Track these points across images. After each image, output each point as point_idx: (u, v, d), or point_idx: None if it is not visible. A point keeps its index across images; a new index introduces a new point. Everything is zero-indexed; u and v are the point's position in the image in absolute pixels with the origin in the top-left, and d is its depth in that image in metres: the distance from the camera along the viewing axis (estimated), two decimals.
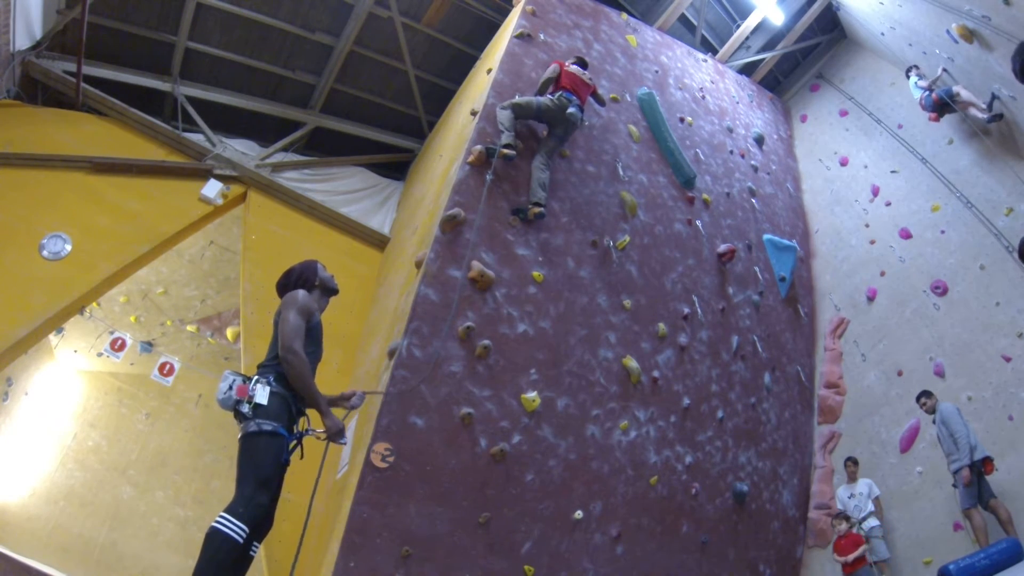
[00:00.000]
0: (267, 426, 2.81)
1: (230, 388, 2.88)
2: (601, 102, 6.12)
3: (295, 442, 3.01)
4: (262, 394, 2.86)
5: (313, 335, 3.18)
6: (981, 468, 4.77)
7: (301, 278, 3.34)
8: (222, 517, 2.59)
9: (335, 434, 2.95)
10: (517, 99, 5.38)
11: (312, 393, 2.94)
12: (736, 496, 5.76)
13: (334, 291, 3.48)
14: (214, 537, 2.55)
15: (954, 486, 4.95)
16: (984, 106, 6.06)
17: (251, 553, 2.89)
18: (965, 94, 6.21)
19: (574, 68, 5.67)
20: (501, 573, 4.08)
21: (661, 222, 6.39)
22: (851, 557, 5.36)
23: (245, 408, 2.83)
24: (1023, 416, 5.08)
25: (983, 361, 5.60)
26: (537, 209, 5.11)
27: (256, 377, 2.97)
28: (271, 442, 2.80)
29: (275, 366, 3.02)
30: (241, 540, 2.58)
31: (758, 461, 6.14)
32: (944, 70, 6.66)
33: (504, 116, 5.25)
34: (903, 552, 5.47)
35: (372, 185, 8.68)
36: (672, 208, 6.59)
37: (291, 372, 2.92)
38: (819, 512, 6.26)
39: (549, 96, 5.46)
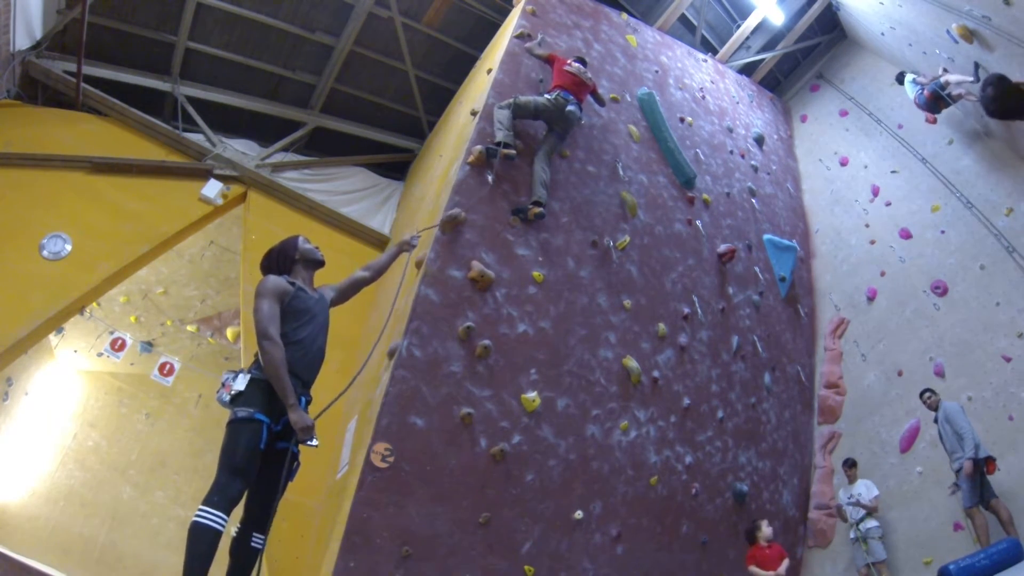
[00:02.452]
0: (242, 412, 2.79)
1: (223, 386, 2.91)
2: (601, 102, 6.12)
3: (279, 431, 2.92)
4: (241, 381, 2.86)
5: (297, 311, 3.05)
6: (983, 467, 4.77)
7: (281, 256, 3.30)
8: (199, 509, 2.61)
9: (301, 431, 2.82)
10: (514, 99, 5.38)
11: (282, 383, 2.81)
12: (736, 496, 5.76)
13: (318, 263, 3.38)
14: (194, 530, 2.57)
15: (956, 484, 4.94)
16: (972, 79, 5.99)
17: (253, 544, 2.87)
18: (954, 77, 6.16)
19: (575, 67, 5.68)
20: (501, 573, 4.08)
21: (661, 222, 6.39)
22: (782, 570, 4.89)
23: (226, 398, 2.85)
24: (1023, 416, 5.08)
25: (983, 361, 5.59)
26: (537, 209, 5.11)
27: (242, 369, 2.98)
28: (245, 428, 2.77)
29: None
30: (220, 527, 2.59)
31: (758, 461, 6.13)
32: (944, 70, 6.66)
33: (502, 115, 5.25)
34: (903, 552, 5.47)
35: (372, 185, 8.68)
36: (672, 208, 6.59)
37: (266, 359, 2.84)
38: (819, 512, 6.26)
39: (547, 96, 5.47)
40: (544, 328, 4.94)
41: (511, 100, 5.34)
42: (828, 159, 8.57)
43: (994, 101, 3.63)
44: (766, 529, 5.14)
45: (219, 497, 2.63)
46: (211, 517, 2.58)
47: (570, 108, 5.36)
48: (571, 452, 4.72)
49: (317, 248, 3.41)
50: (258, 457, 2.77)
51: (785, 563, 4.97)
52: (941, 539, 5.20)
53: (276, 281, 3.07)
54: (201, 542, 2.56)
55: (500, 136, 5.13)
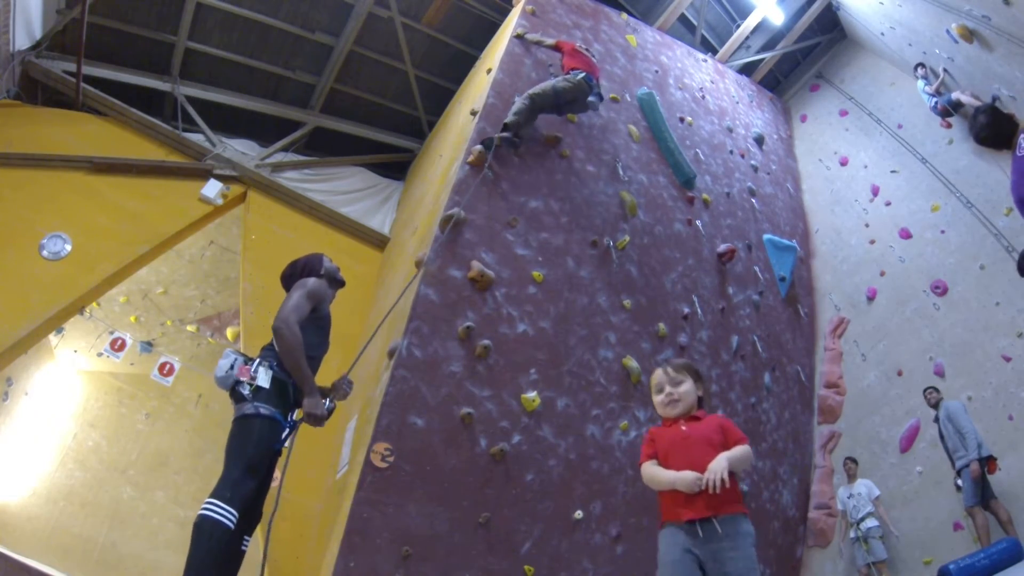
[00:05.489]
0: (265, 410, 2.73)
1: (231, 367, 2.81)
2: (600, 96, 6.10)
3: (288, 431, 2.92)
4: (264, 377, 2.79)
5: (321, 325, 3.12)
6: (985, 467, 4.77)
7: (306, 268, 3.31)
8: (209, 503, 2.47)
9: (314, 418, 2.82)
10: (536, 89, 5.28)
11: (301, 368, 2.82)
12: None
13: (340, 283, 3.44)
14: (203, 524, 2.42)
15: (957, 484, 4.94)
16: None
17: (243, 548, 2.80)
18: (966, 99, 6.24)
19: (584, 49, 5.68)
20: (501, 573, 4.07)
21: (661, 222, 6.39)
22: (717, 474, 2.14)
23: (246, 390, 2.75)
24: (1023, 416, 5.08)
25: (983, 361, 5.60)
26: (503, 134, 4.98)
27: (259, 359, 2.91)
28: (266, 426, 2.72)
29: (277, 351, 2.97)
30: (232, 525, 2.46)
31: (758, 461, 6.13)
32: (945, 70, 6.67)
33: (521, 104, 5.17)
34: (903, 552, 5.47)
35: (372, 185, 8.68)
36: (672, 208, 6.59)
37: (282, 345, 2.81)
38: (819, 512, 6.26)
39: (564, 76, 5.40)
40: (544, 328, 4.93)
41: (532, 91, 5.24)
42: (828, 159, 8.57)
43: (987, 128, 3.73)
44: (664, 379, 2.53)
45: (231, 492, 2.50)
46: (222, 512, 2.44)
47: (591, 99, 5.31)
48: (571, 452, 4.72)
49: (339, 269, 3.47)
50: (271, 457, 2.74)
51: (737, 452, 2.27)
52: (941, 539, 5.20)
53: (318, 285, 3.14)
54: (210, 537, 2.40)
55: (508, 119, 5.08)
